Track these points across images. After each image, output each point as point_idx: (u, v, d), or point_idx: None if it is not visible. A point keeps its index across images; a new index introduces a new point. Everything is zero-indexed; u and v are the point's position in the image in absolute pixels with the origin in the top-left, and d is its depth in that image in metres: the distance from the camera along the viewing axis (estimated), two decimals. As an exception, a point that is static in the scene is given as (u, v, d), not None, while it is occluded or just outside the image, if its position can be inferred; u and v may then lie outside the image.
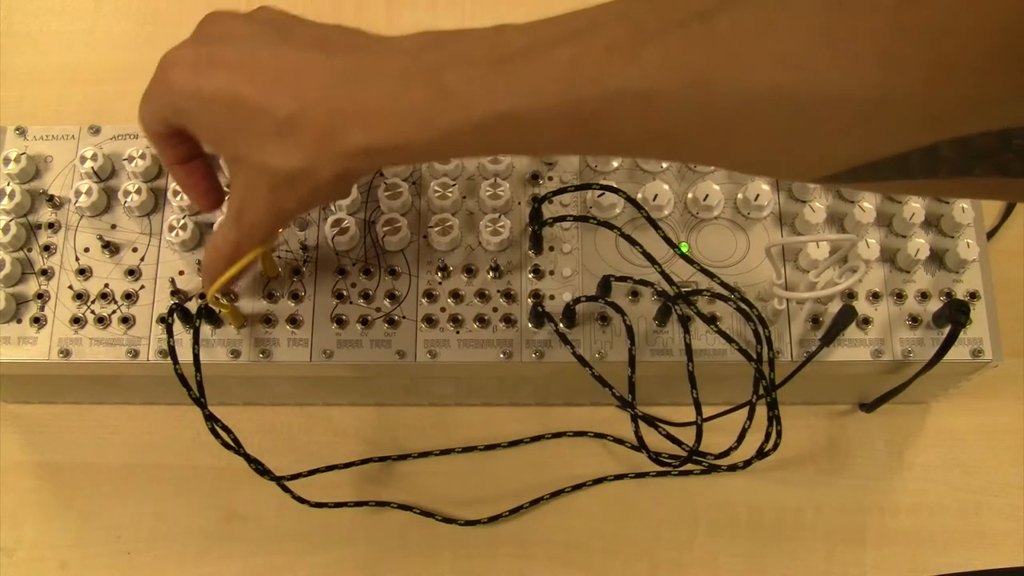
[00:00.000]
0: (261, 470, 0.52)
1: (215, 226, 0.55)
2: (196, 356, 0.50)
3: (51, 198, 0.57)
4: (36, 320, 0.55)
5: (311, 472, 0.57)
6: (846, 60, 0.28)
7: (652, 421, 0.51)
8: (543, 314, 0.53)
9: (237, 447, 0.51)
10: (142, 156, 0.56)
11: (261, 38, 0.41)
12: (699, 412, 0.49)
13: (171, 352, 0.50)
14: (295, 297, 0.55)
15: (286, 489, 0.54)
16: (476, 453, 0.62)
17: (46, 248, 0.56)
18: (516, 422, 0.62)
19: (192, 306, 0.53)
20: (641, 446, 0.51)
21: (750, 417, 0.50)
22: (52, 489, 0.61)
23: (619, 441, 0.61)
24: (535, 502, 0.60)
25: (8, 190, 0.56)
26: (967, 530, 0.60)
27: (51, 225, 0.56)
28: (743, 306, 0.51)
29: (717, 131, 0.33)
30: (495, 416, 0.63)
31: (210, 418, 0.50)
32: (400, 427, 0.62)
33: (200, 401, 0.50)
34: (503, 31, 0.37)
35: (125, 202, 0.56)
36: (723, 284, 0.51)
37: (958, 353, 0.54)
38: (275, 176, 0.40)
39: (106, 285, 0.55)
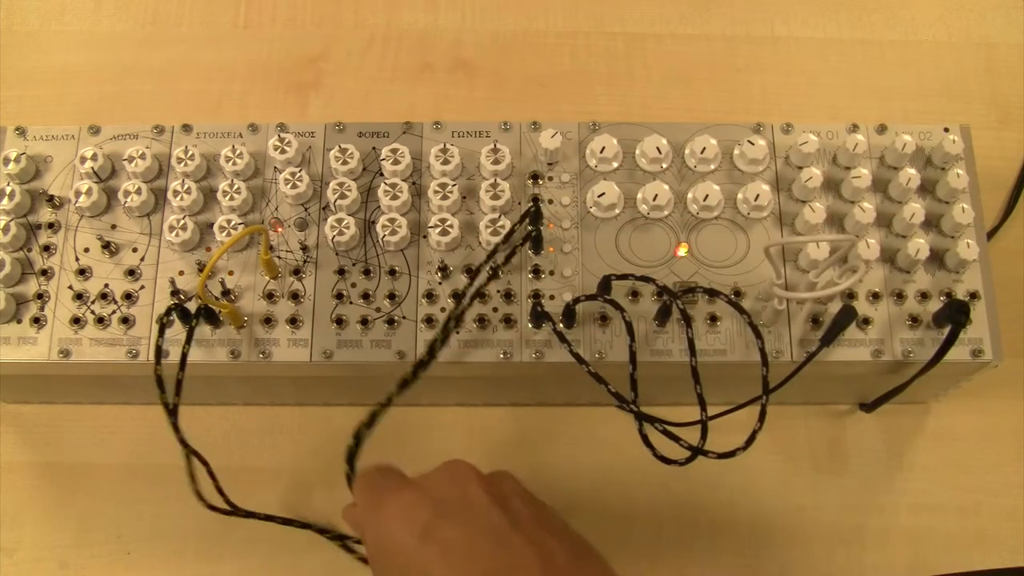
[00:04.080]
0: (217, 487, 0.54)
1: None
2: (184, 356, 0.51)
3: (51, 198, 0.57)
4: (36, 320, 0.55)
5: (248, 514, 0.58)
6: None
7: (652, 420, 0.51)
8: (543, 314, 0.53)
9: (194, 454, 0.53)
10: (142, 156, 0.56)
11: (488, 527, 0.40)
12: (703, 408, 0.49)
13: (157, 353, 0.50)
14: (295, 297, 0.55)
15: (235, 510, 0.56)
16: None
17: (46, 248, 0.56)
18: (516, 422, 0.62)
19: (192, 306, 0.53)
20: (645, 444, 0.51)
21: (761, 419, 0.50)
22: (52, 489, 0.61)
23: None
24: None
25: (8, 190, 0.56)
26: (967, 530, 0.60)
27: (51, 225, 0.56)
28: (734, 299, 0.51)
29: None
30: (495, 416, 0.63)
31: (174, 425, 0.52)
32: (400, 427, 0.62)
33: (168, 405, 0.50)
34: None
35: (125, 202, 0.56)
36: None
37: (958, 353, 0.53)
38: None
39: (106, 285, 0.55)
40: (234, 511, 0.57)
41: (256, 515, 0.57)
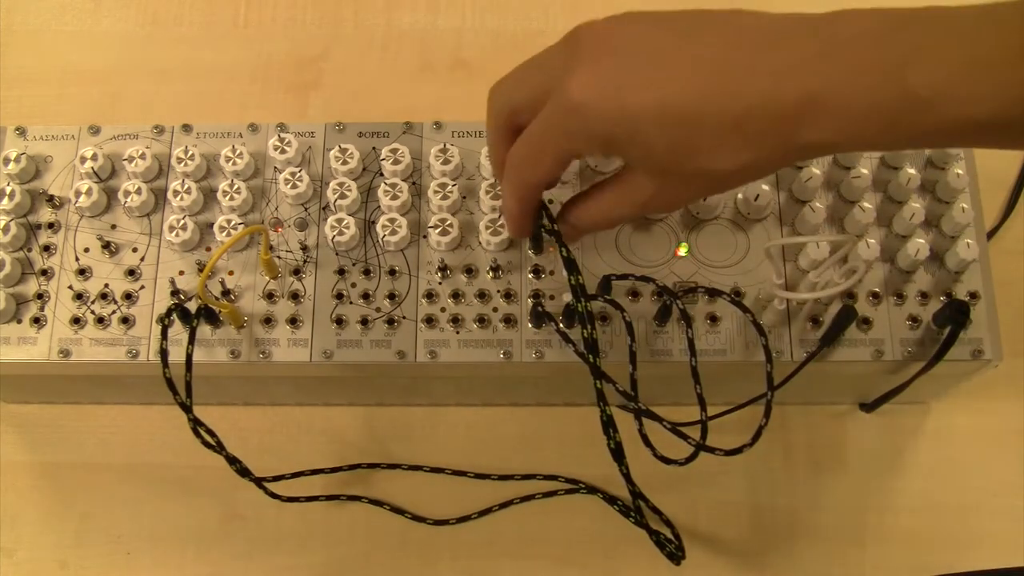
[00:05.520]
0: (242, 470, 0.52)
1: (591, 195, 0.47)
2: (189, 357, 0.51)
3: (51, 198, 0.57)
4: (36, 320, 0.55)
5: (294, 475, 0.57)
6: None
7: (660, 419, 0.51)
8: (543, 314, 0.53)
9: (220, 448, 0.52)
10: (142, 156, 0.56)
11: (664, 40, 0.37)
12: (703, 408, 0.49)
13: (162, 355, 0.50)
14: (295, 297, 0.55)
15: (264, 489, 0.55)
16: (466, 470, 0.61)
17: (46, 248, 0.56)
18: (516, 422, 0.62)
19: (192, 306, 0.53)
20: (645, 444, 0.51)
21: (767, 415, 0.50)
22: (52, 489, 0.61)
23: (612, 500, 0.60)
24: (529, 498, 0.60)
25: (8, 190, 0.56)
26: (967, 530, 0.60)
27: (51, 225, 0.56)
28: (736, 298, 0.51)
29: None
30: (495, 416, 0.63)
31: (194, 421, 0.51)
32: (400, 427, 0.62)
33: (185, 405, 0.50)
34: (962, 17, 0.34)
35: (125, 202, 0.56)
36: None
37: (958, 353, 0.53)
38: (712, 177, 0.38)
39: (106, 285, 0.55)
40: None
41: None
